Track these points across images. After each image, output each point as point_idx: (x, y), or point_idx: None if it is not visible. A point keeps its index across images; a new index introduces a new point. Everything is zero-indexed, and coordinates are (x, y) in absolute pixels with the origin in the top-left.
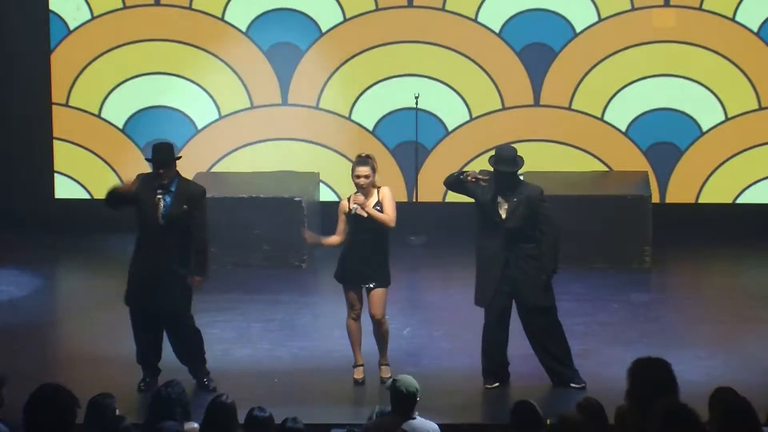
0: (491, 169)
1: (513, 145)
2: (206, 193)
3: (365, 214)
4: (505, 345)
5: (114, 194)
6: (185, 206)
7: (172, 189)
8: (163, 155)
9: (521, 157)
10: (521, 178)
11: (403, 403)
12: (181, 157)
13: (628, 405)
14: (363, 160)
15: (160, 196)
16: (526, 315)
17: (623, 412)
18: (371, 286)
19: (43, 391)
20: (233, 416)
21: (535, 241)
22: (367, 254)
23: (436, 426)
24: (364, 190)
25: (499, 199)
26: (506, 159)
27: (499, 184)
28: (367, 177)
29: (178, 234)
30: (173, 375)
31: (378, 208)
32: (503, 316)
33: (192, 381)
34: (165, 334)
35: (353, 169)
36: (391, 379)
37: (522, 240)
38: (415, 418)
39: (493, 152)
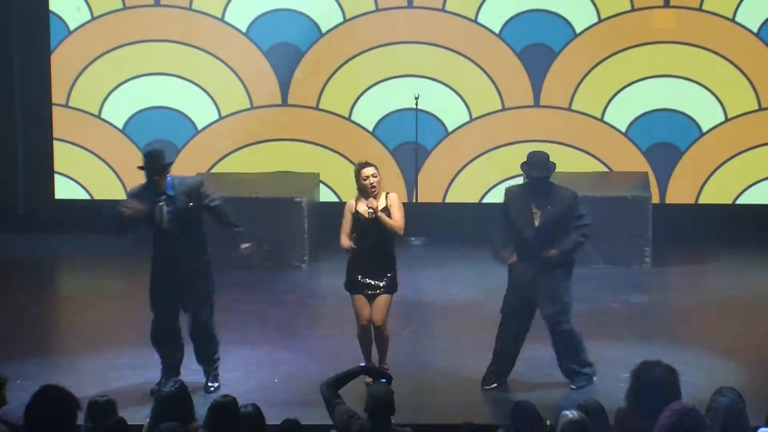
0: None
1: (513, 145)
2: (203, 181)
3: (381, 215)
4: (517, 353)
5: (122, 221)
6: (191, 203)
7: (170, 192)
8: (157, 163)
9: (553, 162)
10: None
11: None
12: (171, 162)
13: (629, 406)
14: (365, 163)
15: (161, 203)
16: (548, 321)
17: (624, 413)
18: (377, 291)
19: (44, 393)
20: (235, 416)
21: None
22: (374, 261)
23: None
24: (374, 191)
25: (534, 208)
26: (537, 163)
27: (532, 192)
28: (375, 176)
29: (187, 232)
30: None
31: (385, 213)
32: (526, 325)
33: (194, 380)
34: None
35: (358, 174)
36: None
37: (551, 248)
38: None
39: (525, 158)
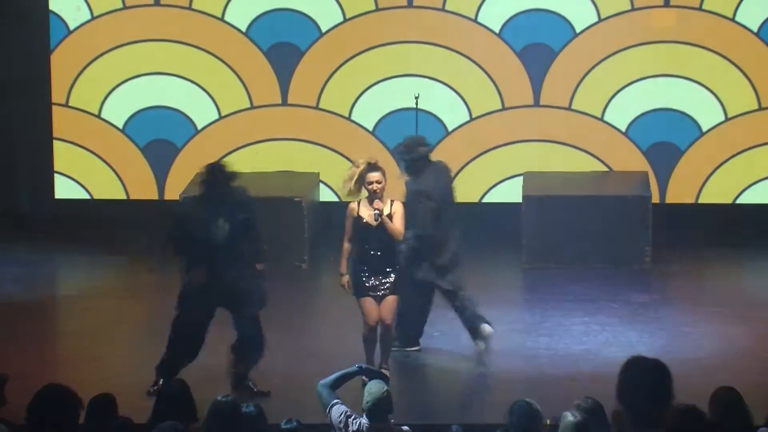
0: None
1: (513, 145)
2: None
3: (386, 218)
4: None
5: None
6: (245, 217)
7: (229, 204)
8: (223, 177)
9: (415, 146)
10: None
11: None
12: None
13: (620, 403)
14: (373, 166)
15: (222, 219)
16: None
17: (618, 413)
18: (384, 292)
19: (46, 392)
20: (236, 416)
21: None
22: (379, 263)
23: None
24: (377, 196)
25: None
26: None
27: None
28: (379, 182)
29: (238, 243)
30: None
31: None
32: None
33: (195, 380)
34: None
35: (365, 177)
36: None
37: None
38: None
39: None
